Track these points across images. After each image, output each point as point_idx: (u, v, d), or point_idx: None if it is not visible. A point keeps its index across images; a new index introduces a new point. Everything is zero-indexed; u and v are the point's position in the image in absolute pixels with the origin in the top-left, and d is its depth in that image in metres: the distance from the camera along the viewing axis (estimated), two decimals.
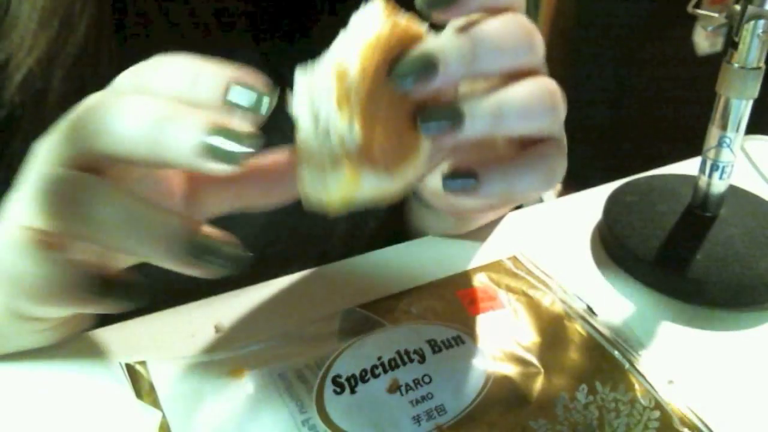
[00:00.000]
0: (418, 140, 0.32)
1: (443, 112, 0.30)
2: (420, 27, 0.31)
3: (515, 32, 0.31)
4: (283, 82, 0.30)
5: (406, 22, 0.30)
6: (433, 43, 0.30)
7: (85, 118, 0.29)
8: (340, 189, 0.30)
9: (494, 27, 0.31)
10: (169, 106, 0.28)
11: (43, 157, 0.30)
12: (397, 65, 0.29)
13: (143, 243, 0.28)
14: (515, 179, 0.32)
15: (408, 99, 0.31)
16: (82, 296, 0.29)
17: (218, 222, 0.48)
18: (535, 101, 0.31)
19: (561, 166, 0.35)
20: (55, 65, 0.41)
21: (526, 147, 0.34)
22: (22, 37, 0.40)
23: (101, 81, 0.40)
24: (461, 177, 0.32)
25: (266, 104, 0.29)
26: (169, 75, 0.30)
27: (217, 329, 0.40)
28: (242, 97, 0.29)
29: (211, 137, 0.27)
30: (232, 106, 0.29)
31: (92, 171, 0.30)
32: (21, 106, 0.41)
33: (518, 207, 0.54)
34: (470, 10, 0.31)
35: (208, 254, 0.28)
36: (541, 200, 0.60)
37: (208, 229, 0.29)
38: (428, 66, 0.29)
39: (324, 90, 0.29)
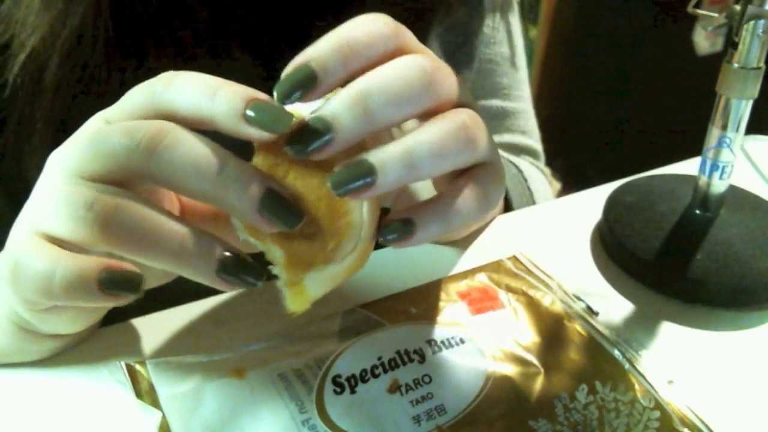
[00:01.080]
0: (346, 213, 0.31)
1: (353, 172, 0.29)
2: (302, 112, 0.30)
3: (410, 78, 0.30)
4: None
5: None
6: (324, 108, 0.29)
7: (127, 139, 0.29)
8: (292, 300, 0.31)
9: (385, 78, 0.30)
10: (231, 157, 0.29)
11: (67, 170, 0.30)
12: (291, 138, 0.29)
13: (176, 259, 0.29)
14: (450, 216, 0.32)
15: (314, 187, 0.31)
16: (90, 289, 0.29)
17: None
18: (448, 141, 0.30)
19: (496, 191, 0.34)
20: (53, 48, 0.41)
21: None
22: (26, 16, 0.40)
23: (97, 68, 0.40)
24: (397, 227, 0.31)
25: (285, 123, 0.29)
26: (186, 88, 0.30)
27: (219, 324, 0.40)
28: (261, 113, 0.29)
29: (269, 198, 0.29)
30: (250, 121, 0.29)
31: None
32: (20, 88, 0.41)
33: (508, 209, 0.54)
34: (333, 84, 0.29)
35: (236, 273, 0.29)
36: (533, 202, 0.60)
37: (234, 250, 0.30)
38: (321, 129, 0.29)
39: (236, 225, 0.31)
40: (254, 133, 0.29)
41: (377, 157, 0.29)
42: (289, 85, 0.29)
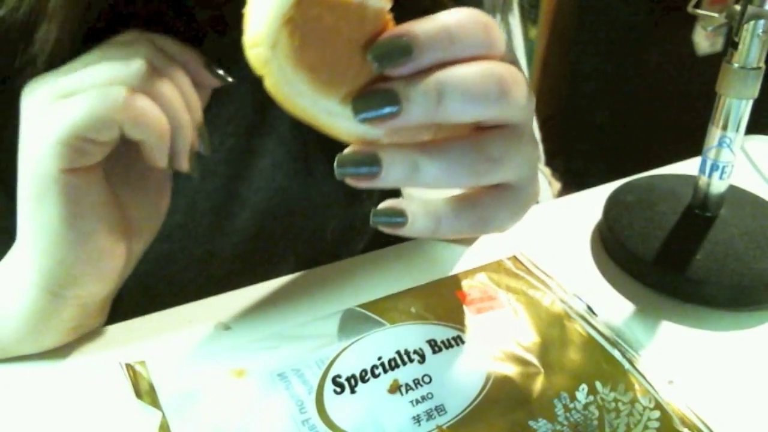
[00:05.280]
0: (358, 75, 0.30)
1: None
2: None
3: (488, 84, 0.30)
4: None
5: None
6: (398, 82, 0.29)
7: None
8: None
9: (465, 75, 0.30)
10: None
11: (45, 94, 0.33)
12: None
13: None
14: (440, 226, 0.32)
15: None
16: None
17: (212, 226, 0.48)
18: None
19: (500, 218, 0.33)
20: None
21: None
22: (47, 34, 0.41)
23: None
24: (388, 215, 0.31)
25: None
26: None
27: (225, 326, 0.40)
28: None
29: None
30: None
31: None
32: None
33: None
34: (423, 65, 0.29)
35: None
36: (536, 202, 0.60)
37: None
38: (387, 103, 0.29)
39: None
40: None
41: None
42: (384, 52, 0.29)
